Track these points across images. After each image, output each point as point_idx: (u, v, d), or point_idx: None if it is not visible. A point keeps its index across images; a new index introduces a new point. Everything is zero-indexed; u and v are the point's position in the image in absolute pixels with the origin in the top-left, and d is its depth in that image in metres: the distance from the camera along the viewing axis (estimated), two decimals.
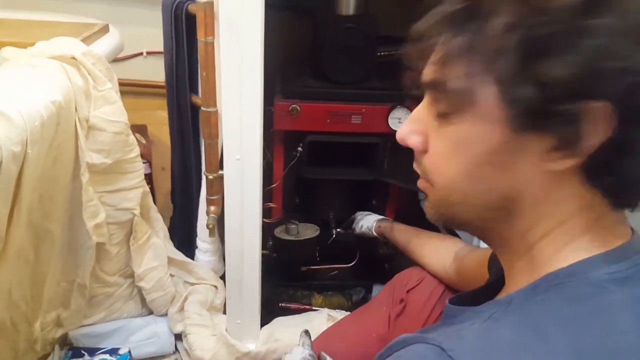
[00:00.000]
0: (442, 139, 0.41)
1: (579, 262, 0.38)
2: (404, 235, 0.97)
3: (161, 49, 1.43)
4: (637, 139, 0.35)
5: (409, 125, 0.45)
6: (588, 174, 0.37)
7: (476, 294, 0.53)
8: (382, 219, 1.08)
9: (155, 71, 1.49)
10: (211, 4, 0.76)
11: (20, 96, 0.67)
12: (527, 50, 0.34)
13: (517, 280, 0.43)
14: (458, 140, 0.40)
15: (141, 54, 1.47)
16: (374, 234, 1.05)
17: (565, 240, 0.39)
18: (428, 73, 0.42)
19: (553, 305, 0.37)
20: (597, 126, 0.34)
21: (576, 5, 0.33)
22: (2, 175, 0.60)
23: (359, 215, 1.12)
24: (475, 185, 0.41)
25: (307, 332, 0.79)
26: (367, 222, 1.08)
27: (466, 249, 0.80)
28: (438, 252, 0.83)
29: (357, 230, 1.09)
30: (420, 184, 0.46)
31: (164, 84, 1.45)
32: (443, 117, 0.41)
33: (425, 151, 0.43)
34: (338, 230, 1.13)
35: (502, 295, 0.46)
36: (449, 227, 0.49)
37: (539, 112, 0.35)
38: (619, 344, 0.35)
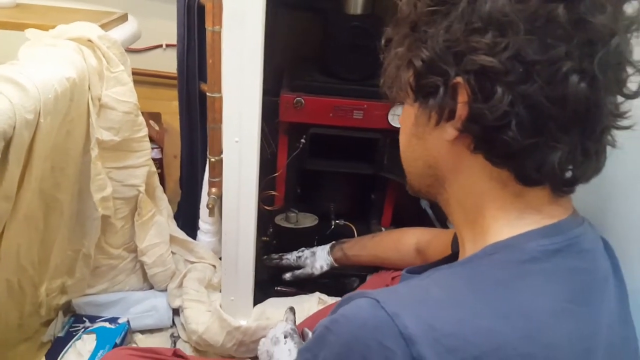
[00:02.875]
0: (400, 119, 0.52)
1: (515, 236, 0.42)
2: (360, 255, 0.98)
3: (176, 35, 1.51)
4: (489, 115, 0.39)
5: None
6: (474, 145, 0.42)
7: (433, 265, 0.56)
8: (331, 250, 1.03)
9: (173, 63, 1.55)
10: None
11: (36, 70, 0.72)
12: (410, 42, 0.45)
13: (465, 251, 0.47)
14: (402, 119, 0.51)
15: (160, 46, 1.54)
16: (337, 266, 1.02)
17: (495, 215, 0.44)
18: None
19: (483, 271, 0.41)
20: (459, 100, 0.41)
21: (432, 2, 0.42)
22: (15, 138, 0.66)
23: (305, 259, 1.05)
24: (409, 154, 0.51)
25: (292, 308, 0.81)
26: (322, 260, 1.02)
27: (424, 236, 0.85)
28: (400, 254, 0.88)
29: (316, 273, 1.02)
30: None
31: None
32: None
33: None
34: (288, 279, 1.06)
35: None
36: (419, 197, 0.56)
37: (417, 88, 0.45)
38: (537, 306, 0.38)
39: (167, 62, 1.54)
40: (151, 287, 1.09)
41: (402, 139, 0.52)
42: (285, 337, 0.74)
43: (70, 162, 0.86)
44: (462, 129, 0.42)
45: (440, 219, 1.23)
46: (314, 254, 1.04)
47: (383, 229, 1.20)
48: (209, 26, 0.84)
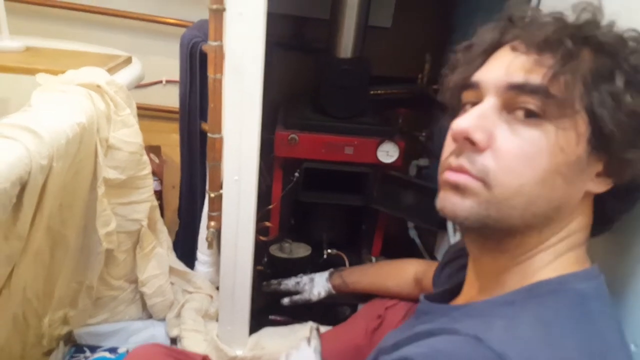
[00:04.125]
0: (519, 140, 0.43)
1: (565, 275, 0.46)
2: (358, 282, 1.01)
3: (178, 78, 1.57)
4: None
5: (474, 120, 0.44)
6: (601, 198, 0.45)
7: (444, 294, 0.61)
8: (330, 277, 1.06)
9: (172, 98, 1.62)
10: (221, 47, 0.88)
11: (50, 117, 0.78)
12: (628, 85, 0.42)
13: (505, 283, 0.48)
14: (540, 145, 0.43)
15: (161, 81, 1.61)
16: (334, 293, 1.05)
17: (558, 253, 0.46)
18: (518, 75, 0.44)
19: (554, 307, 0.43)
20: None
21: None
22: (30, 183, 0.71)
23: (303, 285, 1.08)
24: (542, 192, 0.43)
25: (318, 329, 0.75)
26: (320, 286, 1.06)
27: (421, 267, 0.89)
28: (401, 283, 0.92)
29: (314, 299, 1.06)
30: (468, 181, 0.45)
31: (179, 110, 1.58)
32: (528, 118, 0.43)
33: (485, 148, 0.44)
34: (285, 304, 1.09)
35: (483, 295, 0.51)
36: (477, 231, 0.48)
37: (612, 138, 0.42)
38: (607, 345, 0.42)
39: (167, 97, 1.61)
40: (150, 317, 1.13)
41: (534, 171, 0.43)
42: None
43: (78, 200, 0.91)
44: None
45: (427, 248, 1.28)
46: (312, 280, 1.08)
47: (373, 258, 1.26)
48: (210, 74, 0.91)
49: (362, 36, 1.14)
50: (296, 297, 1.08)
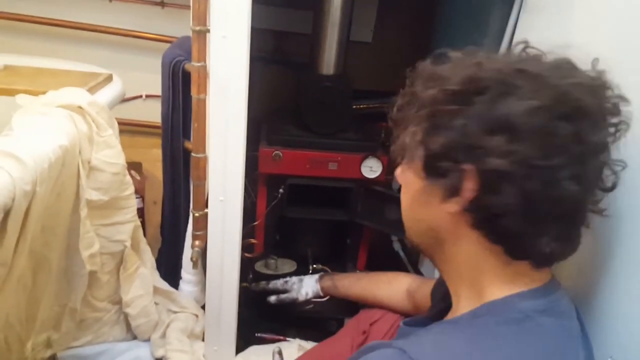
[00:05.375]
0: (403, 180, 0.58)
1: (509, 296, 0.50)
2: (351, 288, 1.03)
3: (159, 92, 1.56)
4: (493, 204, 0.47)
5: (399, 168, 0.60)
6: (473, 223, 0.50)
7: (425, 319, 0.63)
8: (320, 279, 1.09)
9: (152, 113, 1.60)
10: (204, 67, 0.88)
11: (32, 142, 0.77)
12: (428, 126, 0.51)
13: (462, 306, 0.54)
14: (407, 182, 0.57)
15: (141, 96, 1.59)
16: (322, 295, 1.07)
17: (490, 279, 0.52)
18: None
19: (490, 326, 0.48)
20: (468, 183, 0.48)
21: (453, 96, 0.49)
22: (13, 210, 0.70)
23: (292, 284, 1.11)
24: (412, 215, 0.58)
25: (280, 353, 0.81)
26: (309, 287, 1.08)
27: (415, 282, 0.90)
28: (391, 294, 0.92)
29: (301, 299, 1.08)
30: None
31: (160, 124, 1.57)
32: (403, 166, 0.57)
33: None
34: (273, 301, 1.11)
35: (449, 317, 0.58)
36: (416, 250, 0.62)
37: (429, 167, 0.51)
38: (540, 357, 0.46)
39: (147, 112, 1.60)
40: (134, 338, 1.11)
41: (405, 200, 0.58)
42: None
43: (60, 222, 0.90)
44: (466, 209, 0.49)
45: (412, 262, 1.30)
46: (301, 280, 1.10)
47: (358, 271, 1.27)
48: (194, 94, 0.91)
49: (343, 52, 1.15)
50: (283, 296, 1.09)
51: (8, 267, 0.74)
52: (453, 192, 0.49)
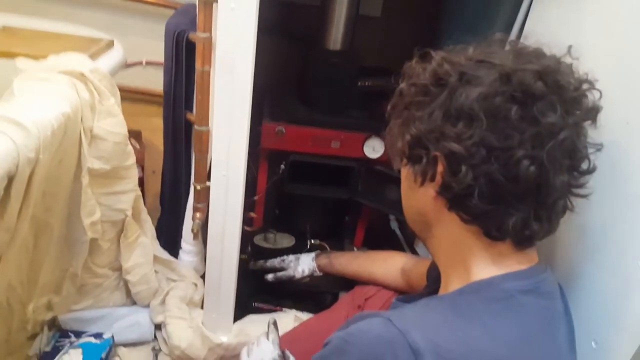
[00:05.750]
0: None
1: (494, 277, 0.52)
2: (347, 266, 1.04)
3: (159, 59, 1.54)
4: (457, 186, 0.50)
5: None
6: (449, 205, 0.53)
7: (418, 296, 0.65)
8: (316, 257, 1.10)
9: (152, 80, 1.58)
10: (209, 39, 0.87)
11: (35, 108, 0.76)
12: (404, 117, 0.56)
13: (450, 286, 0.57)
14: (402, 172, 0.61)
15: (140, 63, 1.57)
16: (318, 272, 1.08)
17: (474, 260, 0.54)
18: None
19: (472, 302, 0.51)
20: (438, 169, 0.52)
21: (421, 89, 0.54)
22: (17, 177, 0.70)
23: (289, 262, 1.12)
24: (405, 202, 0.62)
25: (275, 324, 0.80)
26: (305, 264, 1.10)
27: (410, 262, 0.92)
28: (386, 271, 0.94)
29: (297, 276, 1.09)
30: None
31: (160, 92, 1.55)
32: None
33: None
34: (270, 279, 1.12)
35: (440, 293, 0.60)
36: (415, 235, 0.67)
37: (408, 155, 0.56)
38: (514, 334, 0.49)
39: (147, 79, 1.57)
40: (134, 303, 1.14)
41: (402, 188, 0.62)
42: None
43: (62, 189, 0.90)
44: (439, 192, 0.53)
45: (408, 241, 1.32)
46: (298, 258, 1.12)
47: (355, 248, 1.28)
48: (199, 66, 0.90)
49: (352, 26, 1.12)
50: (280, 274, 1.11)
51: (11, 233, 0.75)
52: (428, 176, 0.54)
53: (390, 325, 0.47)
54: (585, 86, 0.53)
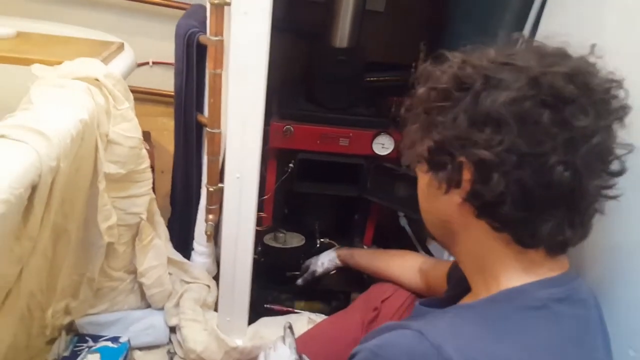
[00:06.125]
0: (418, 176, 0.61)
1: (527, 284, 0.51)
2: (366, 259, 1.06)
3: (166, 59, 1.54)
4: (487, 194, 0.49)
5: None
6: (477, 213, 0.52)
7: (442, 301, 0.65)
8: (337, 249, 1.13)
9: (159, 80, 1.59)
10: (221, 42, 0.87)
11: (54, 116, 0.77)
12: (424, 123, 0.54)
13: (477, 292, 0.56)
14: (419, 177, 0.60)
15: (147, 63, 1.57)
16: (338, 263, 1.11)
17: (503, 268, 0.53)
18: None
19: (507, 312, 0.50)
20: (465, 174, 0.51)
21: (442, 94, 0.52)
22: (40, 186, 0.71)
23: (310, 262, 1.17)
24: (425, 209, 0.60)
25: (291, 327, 0.82)
26: (326, 257, 1.13)
27: (428, 262, 0.92)
28: (404, 269, 0.94)
29: (319, 270, 1.13)
30: None
31: (167, 92, 1.55)
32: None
33: None
34: (299, 283, 1.18)
35: (465, 301, 0.59)
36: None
37: (430, 161, 0.54)
38: (550, 343, 0.48)
39: (154, 79, 1.58)
40: (148, 306, 1.15)
41: (419, 194, 0.61)
42: None
43: (79, 195, 0.91)
44: (466, 199, 0.52)
45: (418, 238, 1.33)
46: (317, 257, 1.15)
47: (365, 246, 1.30)
48: (210, 69, 0.90)
49: (359, 22, 1.11)
50: (305, 275, 1.15)
51: (34, 241, 0.76)
52: (453, 183, 0.52)
53: (423, 339, 0.46)
54: (614, 86, 0.51)
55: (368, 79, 1.33)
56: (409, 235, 1.35)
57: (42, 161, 0.70)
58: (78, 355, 1.01)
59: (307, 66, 1.23)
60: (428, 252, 1.25)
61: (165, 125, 1.61)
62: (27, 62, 0.93)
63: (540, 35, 0.79)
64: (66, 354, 1.02)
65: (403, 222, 1.37)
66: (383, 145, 1.14)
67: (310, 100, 1.18)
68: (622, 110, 0.51)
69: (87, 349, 1.02)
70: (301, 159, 1.15)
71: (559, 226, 0.49)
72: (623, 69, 0.52)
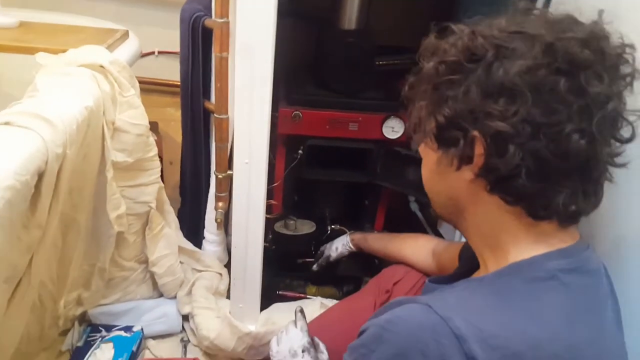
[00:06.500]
0: (422, 154, 0.59)
1: (536, 256, 0.50)
2: (379, 242, 1.05)
3: (172, 49, 1.53)
4: (503, 167, 0.47)
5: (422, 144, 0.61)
6: (490, 187, 0.50)
7: (451, 277, 0.65)
8: (351, 234, 1.13)
9: (165, 70, 1.58)
10: (227, 24, 0.86)
11: (59, 103, 0.76)
12: (433, 98, 0.52)
13: (486, 267, 0.55)
14: (424, 155, 0.58)
15: (153, 53, 1.56)
16: (352, 247, 1.11)
17: (513, 241, 0.52)
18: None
19: (515, 283, 0.49)
20: (477, 149, 0.49)
21: (451, 67, 0.50)
22: (47, 173, 0.70)
23: (324, 247, 1.17)
24: (432, 187, 0.59)
25: (302, 311, 0.82)
26: (339, 242, 1.13)
27: (441, 244, 0.91)
28: (416, 251, 0.93)
29: (333, 255, 1.13)
30: None
31: (174, 82, 1.54)
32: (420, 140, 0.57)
33: None
34: (315, 269, 1.17)
35: (478, 274, 0.59)
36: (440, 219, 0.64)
37: (440, 138, 0.53)
38: (560, 314, 0.47)
39: (160, 69, 1.57)
40: (160, 295, 1.15)
41: (425, 173, 0.59)
42: (303, 351, 0.76)
43: (87, 183, 0.90)
44: (478, 174, 0.50)
45: (429, 223, 1.31)
46: (332, 243, 1.15)
47: (376, 232, 1.28)
48: (216, 52, 0.89)
49: (367, 4, 1.08)
50: (320, 260, 1.14)
51: (43, 230, 0.75)
52: (465, 159, 0.51)
53: (431, 312, 0.46)
54: (626, 51, 0.49)
55: (378, 62, 1.31)
56: (420, 220, 1.34)
57: (47, 147, 0.69)
58: (91, 345, 1.01)
59: (315, 50, 1.21)
60: (440, 236, 1.23)
61: (173, 116, 1.60)
62: (32, 50, 0.92)
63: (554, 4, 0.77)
64: (79, 344, 1.02)
65: (414, 206, 1.35)
66: (393, 129, 1.11)
67: (318, 85, 1.15)
68: (631, 76, 0.50)
69: (100, 339, 1.02)
70: (310, 145, 1.14)
71: (572, 196, 0.48)
72: (631, 35, 0.50)
